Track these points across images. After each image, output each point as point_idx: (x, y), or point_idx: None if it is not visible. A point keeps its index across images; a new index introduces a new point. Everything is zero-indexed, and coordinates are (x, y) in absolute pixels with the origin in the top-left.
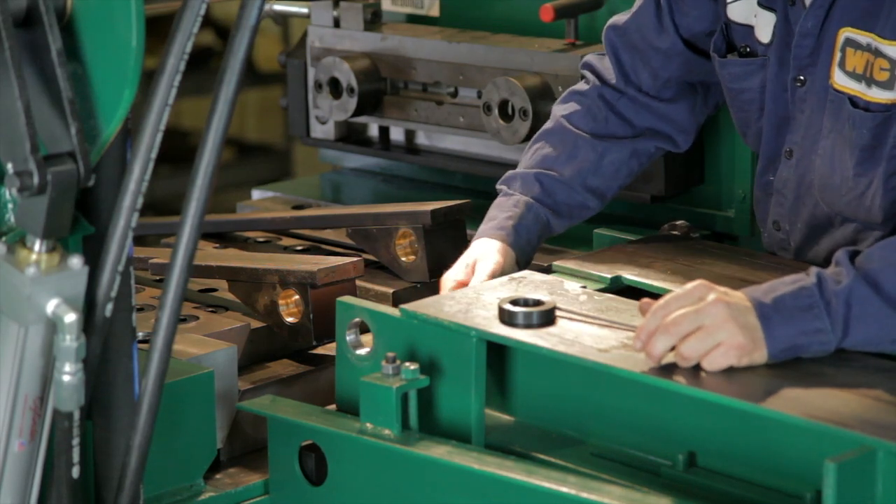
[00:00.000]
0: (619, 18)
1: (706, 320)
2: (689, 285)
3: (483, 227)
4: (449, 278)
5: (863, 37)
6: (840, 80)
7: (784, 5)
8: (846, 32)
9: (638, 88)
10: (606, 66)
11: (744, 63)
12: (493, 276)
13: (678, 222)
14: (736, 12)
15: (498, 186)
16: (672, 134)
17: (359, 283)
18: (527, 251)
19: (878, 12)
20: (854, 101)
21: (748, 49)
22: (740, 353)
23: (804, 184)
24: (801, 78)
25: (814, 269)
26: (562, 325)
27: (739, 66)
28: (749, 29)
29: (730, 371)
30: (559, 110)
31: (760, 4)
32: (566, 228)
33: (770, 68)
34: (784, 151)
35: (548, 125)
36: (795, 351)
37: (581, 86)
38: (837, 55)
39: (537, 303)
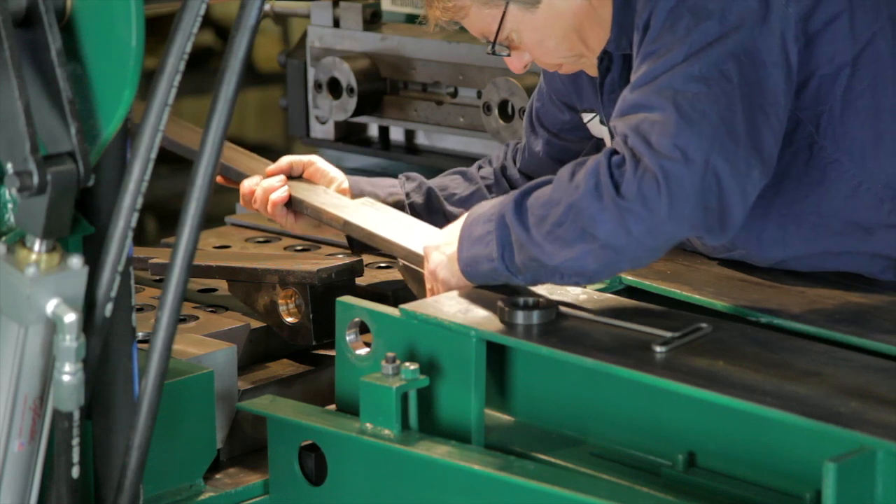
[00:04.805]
0: None
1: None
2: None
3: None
4: None
5: None
6: None
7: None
8: None
9: None
10: None
11: None
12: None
13: None
14: (595, 128)
15: None
16: None
17: (359, 282)
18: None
19: None
20: None
21: None
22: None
23: None
24: None
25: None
26: (562, 325)
27: None
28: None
29: (730, 371)
30: None
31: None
32: None
33: None
34: None
35: None
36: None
37: None
38: None
39: (537, 303)
